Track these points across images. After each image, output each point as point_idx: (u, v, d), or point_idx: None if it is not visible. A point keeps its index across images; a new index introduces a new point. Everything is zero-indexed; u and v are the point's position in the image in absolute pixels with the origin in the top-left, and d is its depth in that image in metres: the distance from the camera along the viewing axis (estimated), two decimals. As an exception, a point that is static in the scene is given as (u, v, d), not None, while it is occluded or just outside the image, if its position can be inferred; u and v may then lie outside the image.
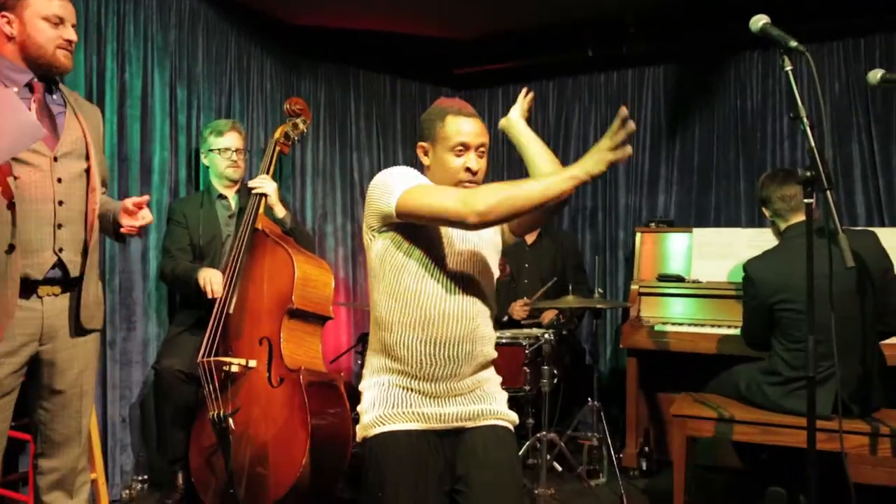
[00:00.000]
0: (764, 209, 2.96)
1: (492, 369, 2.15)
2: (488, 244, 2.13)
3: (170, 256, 3.34)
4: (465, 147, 2.01)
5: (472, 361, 2.04)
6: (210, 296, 3.10)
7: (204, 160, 3.51)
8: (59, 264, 2.16)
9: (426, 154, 2.09)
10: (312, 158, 4.32)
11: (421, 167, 2.12)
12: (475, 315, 2.03)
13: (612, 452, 3.52)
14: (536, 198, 1.80)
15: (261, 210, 3.22)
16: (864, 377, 2.78)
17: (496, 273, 2.17)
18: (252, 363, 3.01)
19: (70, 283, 2.21)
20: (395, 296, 2.00)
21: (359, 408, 2.07)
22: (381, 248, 2.02)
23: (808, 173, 2.02)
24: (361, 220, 4.90)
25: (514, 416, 2.14)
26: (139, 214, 2.24)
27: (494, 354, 2.15)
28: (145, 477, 3.43)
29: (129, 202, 2.23)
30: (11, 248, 2.03)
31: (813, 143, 2.01)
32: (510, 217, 1.87)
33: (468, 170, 2.01)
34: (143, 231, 2.27)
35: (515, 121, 2.21)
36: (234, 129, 3.45)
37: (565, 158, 4.75)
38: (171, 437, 3.21)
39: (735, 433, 2.86)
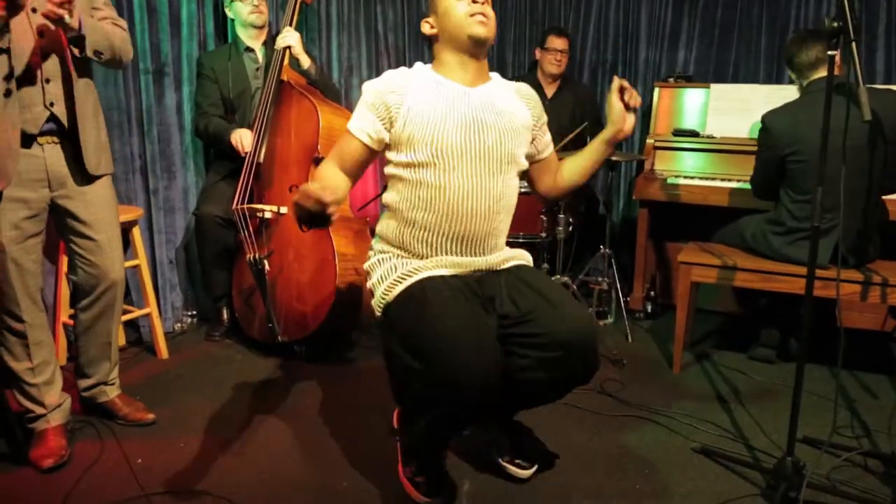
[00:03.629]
0: (789, 70, 2.82)
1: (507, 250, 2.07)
2: (519, 126, 1.97)
3: (202, 113, 3.27)
4: None
5: (489, 252, 1.97)
6: (242, 154, 3.08)
7: (228, 11, 3.34)
8: (53, 118, 2.10)
9: (432, 27, 1.94)
10: (337, 11, 4.10)
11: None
12: (499, 211, 1.94)
13: (620, 296, 3.56)
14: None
15: (286, 61, 3.10)
16: (864, 230, 2.74)
17: (524, 151, 2.03)
18: (283, 209, 3.02)
19: (67, 134, 2.15)
20: (418, 188, 1.88)
21: (369, 284, 1.96)
22: (396, 138, 1.88)
23: (835, 24, 1.87)
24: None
25: (530, 257, 2.12)
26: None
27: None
28: (194, 312, 3.55)
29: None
30: (8, 93, 1.97)
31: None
32: None
33: (474, 1, 1.86)
34: (64, 11, 1.90)
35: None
36: None
37: (587, 10, 4.49)
38: (213, 277, 3.30)
39: (737, 280, 2.87)
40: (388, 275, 1.89)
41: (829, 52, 1.90)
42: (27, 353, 2.16)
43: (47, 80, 2.06)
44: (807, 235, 2.64)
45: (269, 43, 3.33)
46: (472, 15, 1.85)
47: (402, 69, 1.96)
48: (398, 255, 1.95)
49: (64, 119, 2.11)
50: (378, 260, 1.98)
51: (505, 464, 2.13)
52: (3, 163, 1.99)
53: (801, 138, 2.66)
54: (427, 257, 1.91)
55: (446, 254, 1.92)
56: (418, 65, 1.98)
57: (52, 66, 2.07)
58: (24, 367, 2.18)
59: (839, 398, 2.69)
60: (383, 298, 1.88)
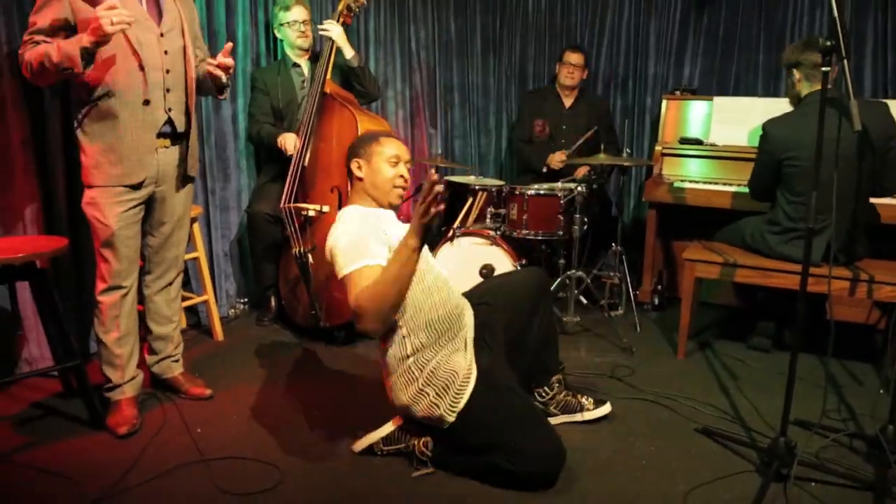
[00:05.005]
0: (795, 71, 2.76)
1: None
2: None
3: (255, 121, 3.39)
4: (398, 159, 2.12)
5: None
6: (287, 153, 3.18)
7: (277, 34, 3.44)
8: (169, 121, 2.30)
9: (360, 168, 2.13)
10: (374, 30, 4.18)
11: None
12: (462, 304, 2.20)
13: (629, 289, 3.60)
14: (401, 281, 1.86)
15: (332, 56, 3.15)
16: (853, 231, 2.75)
17: None
18: (325, 208, 3.10)
19: (177, 137, 2.35)
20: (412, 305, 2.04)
21: (422, 406, 2.03)
22: None
23: (828, 42, 1.90)
24: (418, 86, 4.76)
25: None
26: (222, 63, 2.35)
27: None
28: (245, 300, 3.65)
29: (212, 60, 2.35)
30: (147, 102, 2.21)
31: (836, 13, 1.88)
32: (393, 308, 1.90)
33: (401, 177, 2.12)
34: (229, 72, 2.36)
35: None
36: (300, 3, 3.34)
37: (601, 27, 4.51)
38: (263, 268, 3.40)
39: (737, 275, 2.89)
40: (450, 382, 2.03)
41: (823, 69, 1.92)
42: (117, 323, 2.31)
43: (168, 90, 2.28)
44: (801, 235, 2.66)
45: (314, 59, 3.42)
46: (398, 186, 2.12)
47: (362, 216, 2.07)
48: (436, 355, 2.06)
49: (177, 123, 2.32)
50: (426, 380, 2.04)
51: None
52: (144, 158, 2.24)
53: (798, 145, 2.68)
54: (436, 346, 2.07)
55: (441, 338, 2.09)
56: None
57: (171, 79, 2.29)
58: (113, 338, 2.32)
59: (828, 384, 2.71)
60: (453, 408, 2.02)
